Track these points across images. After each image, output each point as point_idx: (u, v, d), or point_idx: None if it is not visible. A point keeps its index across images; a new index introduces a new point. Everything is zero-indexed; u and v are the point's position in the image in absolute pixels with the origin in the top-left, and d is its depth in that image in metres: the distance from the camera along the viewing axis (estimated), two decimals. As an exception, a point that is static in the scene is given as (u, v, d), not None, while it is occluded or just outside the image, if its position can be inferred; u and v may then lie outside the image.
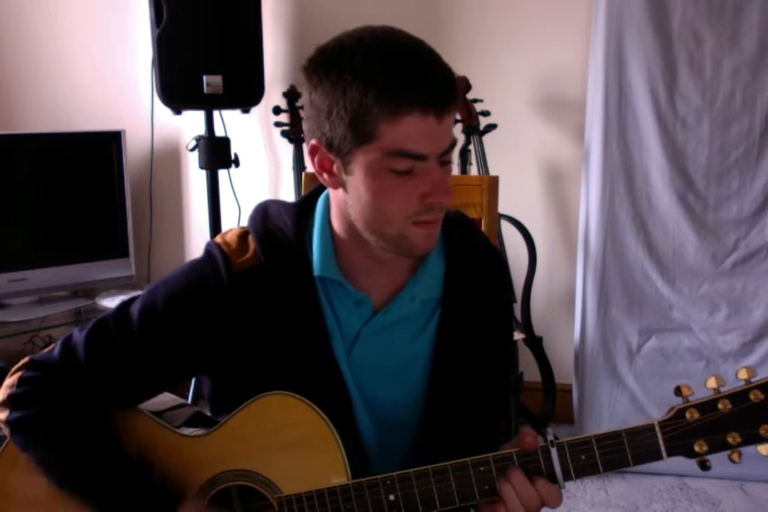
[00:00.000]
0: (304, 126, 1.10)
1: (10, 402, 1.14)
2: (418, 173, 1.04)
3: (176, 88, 2.77)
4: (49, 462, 1.13)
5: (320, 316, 1.14)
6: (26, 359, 1.18)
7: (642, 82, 2.64)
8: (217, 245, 1.16)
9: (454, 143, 1.07)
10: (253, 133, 3.20)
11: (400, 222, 1.06)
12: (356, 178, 1.05)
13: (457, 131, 2.75)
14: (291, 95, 2.92)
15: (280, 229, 1.16)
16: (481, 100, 2.77)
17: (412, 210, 1.06)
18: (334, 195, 1.12)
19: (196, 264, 1.17)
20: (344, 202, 1.10)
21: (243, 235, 1.18)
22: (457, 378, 1.18)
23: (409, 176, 1.04)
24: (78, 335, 1.16)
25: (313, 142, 1.08)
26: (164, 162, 3.30)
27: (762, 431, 1.02)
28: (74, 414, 1.14)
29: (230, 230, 1.20)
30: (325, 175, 1.09)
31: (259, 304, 1.13)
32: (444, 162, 1.07)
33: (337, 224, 1.14)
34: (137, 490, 1.11)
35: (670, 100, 2.64)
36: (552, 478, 1.05)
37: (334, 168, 1.07)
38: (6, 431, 1.15)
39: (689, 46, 2.60)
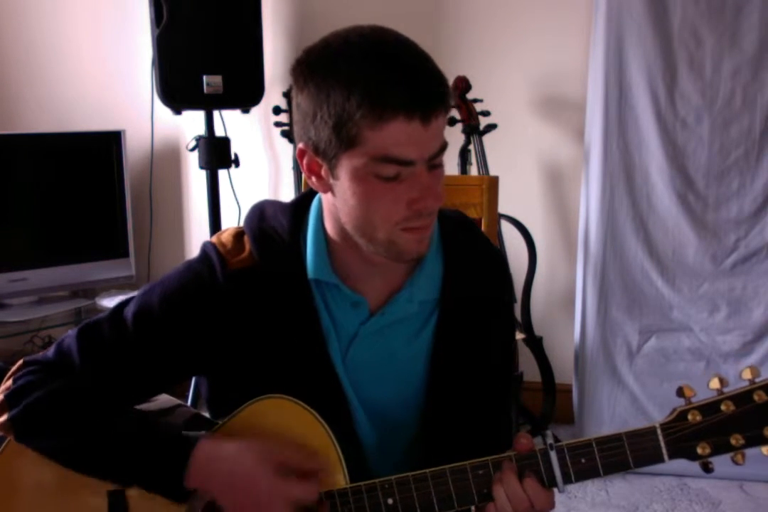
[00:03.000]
0: (294, 130, 1.09)
1: (7, 401, 1.13)
2: (405, 178, 1.02)
3: (176, 88, 2.77)
4: (57, 445, 1.12)
5: (315, 318, 1.14)
6: (20, 362, 1.17)
7: (642, 82, 2.64)
8: (213, 245, 1.16)
9: (444, 146, 1.04)
10: (253, 133, 3.20)
11: (389, 228, 1.04)
12: (343, 183, 1.04)
13: (457, 131, 2.75)
14: (291, 95, 2.91)
15: (275, 229, 1.16)
16: (481, 100, 2.77)
17: (399, 216, 1.04)
18: (325, 198, 1.12)
19: (192, 264, 1.17)
20: (334, 206, 1.09)
21: (238, 235, 1.17)
22: (456, 379, 1.17)
23: (396, 182, 1.02)
24: (72, 337, 1.16)
25: (300, 145, 1.07)
26: (164, 162, 3.30)
27: (766, 432, 1.01)
28: (71, 393, 1.12)
29: (226, 230, 1.20)
30: (314, 179, 1.08)
31: (255, 305, 1.13)
32: (433, 165, 1.04)
33: (329, 227, 1.13)
34: (151, 442, 1.09)
35: (670, 100, 2.64)
36: (552, 481, 1.04)
37: (322, 172, 1.06)
38: (10, 435, 1.13)
39: (689, 46, 2.60)
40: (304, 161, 1.08)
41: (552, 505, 1.05)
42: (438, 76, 1.02)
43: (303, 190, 1.51)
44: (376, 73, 0.98)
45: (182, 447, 1.08)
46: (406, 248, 1.07)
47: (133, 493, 1.13)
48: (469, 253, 1.21)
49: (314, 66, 1.03)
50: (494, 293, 1.23)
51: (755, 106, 2.59)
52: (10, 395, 1.13)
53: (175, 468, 1.07)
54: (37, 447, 1.13)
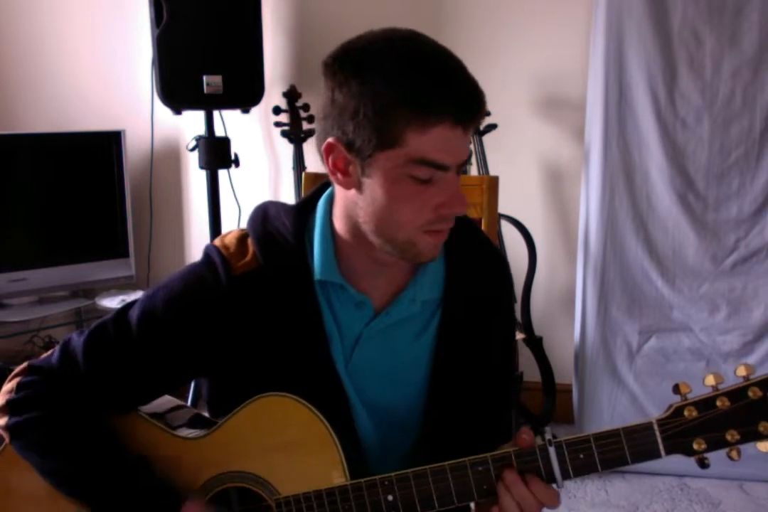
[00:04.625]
0: (320, 123, 1.07)
1: (9, 407, 1.13)
2: (436, 182, 1.04)
3: (176, 88, 2.77)
4: (49, 465, 1.12)
5: (319, 320, 1.14)
6: (25, 364, 1.18)
7: (642, 82, 2.64)
8: (216, 248, 1.16)
9: (470, 154, 1.07)
10: (253, 133, 3.20)
11: (412, 229, 1.06)
12: (374, 182, 1.04)
13: (457, 131, 2.75)
14: (291, 95, 2.92)
15: (279, 231, 1.15)
16: (481, 100, 2.77)
17: (425, 219, 1.05)
18: (343, 195, 1.10)
19: (196, 268, 1.16)
20: (354, 203, 1.08)
21: (242, 237, 1.17)
22: (458, 379, 1.18)
23: (427, 185, 1.03)
24: (77, 339, 1.16)
25: (330, 140, 1.05)
26: (164, 162, 3.30)
27: (761, 428, 1.02)
28: (72, 418, 1.13)
29: (229, 232, 1.19)
30: (339, 175, 1.07)
31: (259, 308, 1.13)
32: (459, 171, 1.07)
33: (340, 225, 1.13)
34: (137, 491, 1.10)
35: (670, 100, 2.64)
36: (550, 477, 1.05)
37: (350, 168, 1.06)
38: (6, 437, 1.14)
39: (689, 46, 2.60)
40: (331, 156, 1.06)
41: (559, 501, 1.05)
42: (478, 86, 1.04)
43: (303, 190, 1.51)
44: (425, 77, 0.99)
45: (167, 506, 1.09)
46: (423, 251, 1.08)
47: None
48: (471, 253, 1.21)
49: (357, 63, 1.02)
50: (495, 293, 1.23)
51: (755, 106, 2.60)
52: (12, 403, 1.13)
53: None
54: (25, 458, 1.14)
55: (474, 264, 1.21)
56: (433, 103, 0.99)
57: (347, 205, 1.10)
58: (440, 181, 1.04)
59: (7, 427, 1.13)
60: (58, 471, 1.12)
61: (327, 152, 1.07)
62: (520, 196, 2.88)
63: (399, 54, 1.01)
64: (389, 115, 0.99)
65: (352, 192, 1.08)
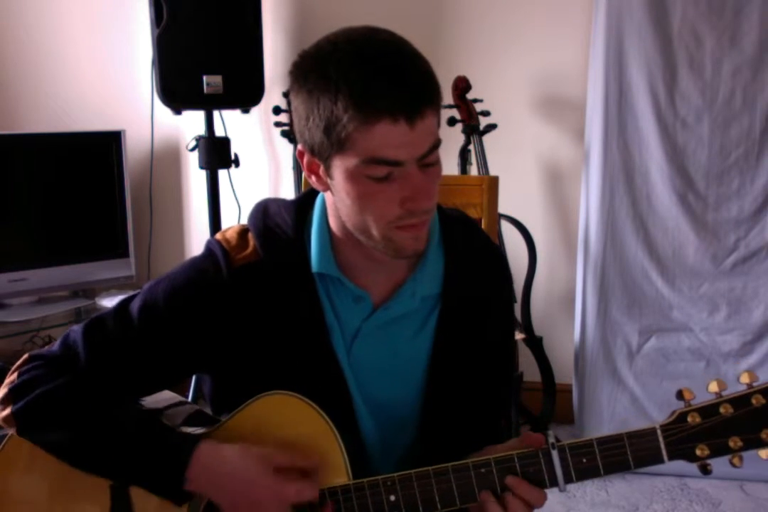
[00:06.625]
0: (294, 130, 1.12)
1: (12, 394, 1.14)
2: (397, 178, 1.03)
3: (176, 88, 2.77)
4: (59, 439, 1.12)
5: (319, 312, 1.15)
6: (25, 355, 1.18)
7: (642, 82, 2.64)
8: (218, 242, 1.18)
9: (436, 144, 1.04)
10: (253, 133, 3.20)
11: (383, 226, 1.06)
12: (338, 183, 1.06)
13: (457, 131, 2.75)
14: (290, 97, 2.91)
15: (279, 226, 1.17)
16: (481, 100, 2.77)
17: (393, 215, 1.05)
18: (327, 196, 1.14)
19: (197, 260, 1.18)
20: (334, 204, 1.12)
21: (243, 232, 1.19)
22: (457, 375, 1.18)
23: (388, 181, 1.03)
24: (77, 331, 1.17)
25: (299, 146, 1.10)
26: (164, 162, 3.30)
27: (763, 435, 1.01)
28: (76, 389, 1.13)
29: (230, 227, 1.21)
30: (314, 178, 1.11)
31: (259, 300, 1.14)
32: (425, 164, 1.05)
33: (333, 223, 1.15)
34: (152, 441, 1.10)
35: (670, 100, 2.64)
36: (553, 481, 1.05)
37: (320, 171, 1.09)
38: (12, 429, 1.14)
39: (689, 46, 2.60)
40: (305, 161, 1.11)
41: (545, 498, 1.06)
42: (424, 76, 1.02)
43: (303, 189, 1.52)
44: (360, 77, 0.99)
45: (182, 448, 1.09)
46: (402, 245, 1.08)
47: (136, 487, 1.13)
48: (470, 251, 1.22)
49: (307, 71, 1.06)
50: (494, 290, 1.24)
51: (755, 106, 2.60)
52: (15, 389, 1.14)
53: (175, 470, 1.08)
54: (38, 442, 1.14)
55: (473, 261, 1.21)
56: (367, 100, 0.99)
57: (331, 206, 1.13)
58: (401, 177, 1.03)
59: (13, 414, 1.13)
60: (70, 442, 1.12)
61: (300, 158, 1.11)
62: (520, 196, 2.88)
63: (340, 57, 1.01)
64: (332, 118, 1.01)
65: (329, 193, 1.11)
